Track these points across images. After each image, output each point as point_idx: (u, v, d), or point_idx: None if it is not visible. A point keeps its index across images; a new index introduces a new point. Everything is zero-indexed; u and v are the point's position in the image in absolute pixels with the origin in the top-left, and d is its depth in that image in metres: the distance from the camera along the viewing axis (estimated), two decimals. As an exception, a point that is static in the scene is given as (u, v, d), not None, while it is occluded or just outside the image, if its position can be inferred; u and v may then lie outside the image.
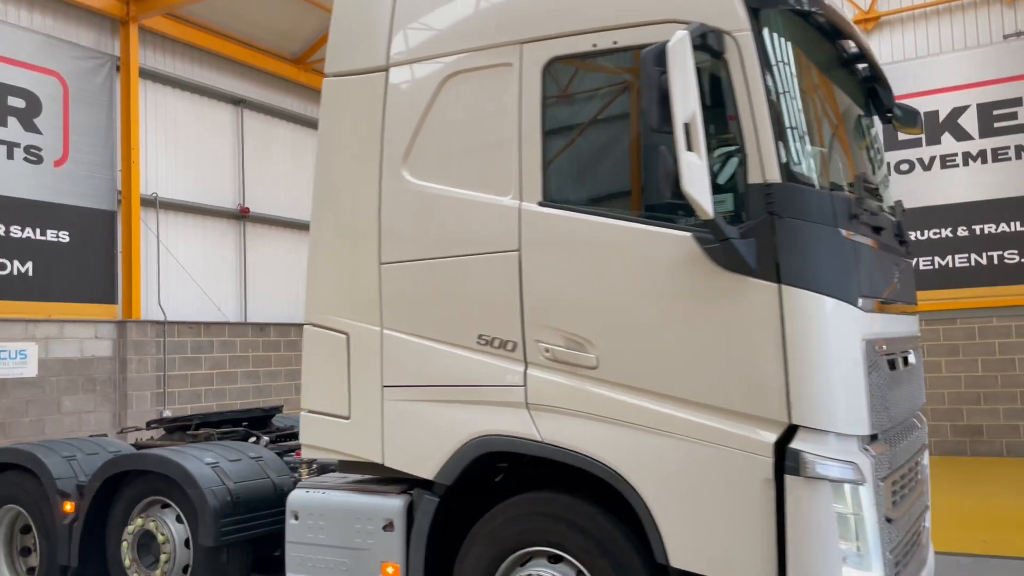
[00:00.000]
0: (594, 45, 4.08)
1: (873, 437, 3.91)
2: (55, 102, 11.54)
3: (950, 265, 13.32)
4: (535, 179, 4.17)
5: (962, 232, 13.26)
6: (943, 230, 13.40)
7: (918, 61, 13.83)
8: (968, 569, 6.97)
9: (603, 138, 4.14)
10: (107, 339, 11.96)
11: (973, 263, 13.13)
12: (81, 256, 11.73)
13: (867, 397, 3.72)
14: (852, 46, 4.49)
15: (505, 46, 4.31)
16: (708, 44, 3.70)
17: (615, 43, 4.01)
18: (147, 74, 12.83)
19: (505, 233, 4.21)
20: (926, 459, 5.06)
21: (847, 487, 3.60)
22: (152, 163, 12.90)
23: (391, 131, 4.62)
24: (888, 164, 13.89)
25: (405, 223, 4.55)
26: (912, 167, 13.69)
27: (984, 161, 13.14)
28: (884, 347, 4.04)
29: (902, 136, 5.54)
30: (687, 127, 3.48)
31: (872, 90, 5.06)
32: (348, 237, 4.73)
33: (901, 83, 13.52)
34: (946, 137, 13.50)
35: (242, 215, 14.24)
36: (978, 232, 13.08)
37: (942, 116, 13.53)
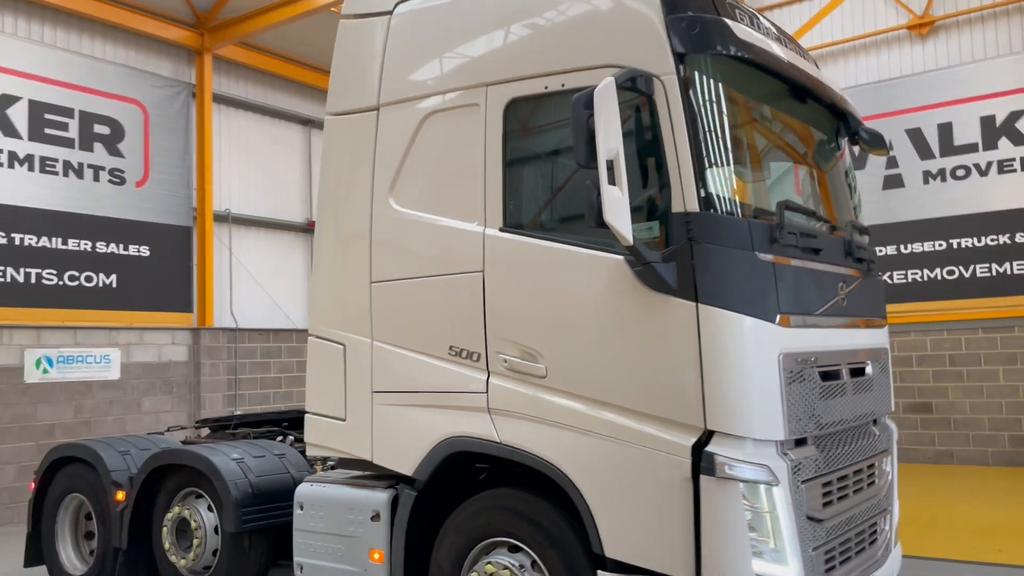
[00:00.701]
0: (546, 87, 4.54)
1: (801, 441, 4.25)
2: (137, 128, 12.60)
3: (1008, 272, 13.11)
4: (497, 207, 4.65)
5: (1020, 238, 13.03)
6: (1000, 236, 13.19)
7: (974, 65, 13.64)
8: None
9: (552, 171, 4.60)
10: (183, 345, 12.96)
11: (1031, 269, 12.90)
12: (160, 269, 12.75)
13: (784, 405, 4.06)
14: (801, 78, 4.78)
15: (473, 88, 4.82)
16: (637, 87, 4.12)
17: (563, 86, 4.46)
18: (220, 99, 13.84)
19: (472, 255, 4.71)
20: (889, 464, 5.30)
21: (761, 487, 3.95)
22: (225, 181, 13.89)
23: (380, 164, 5.18)
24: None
25: (391, 246, 5.10)
26: (968, 172, 13.51)
27: (1042, 166, 12.90)
28: (815, 359, 4.36)
29: (867, 155, 5.68)
30: (610, 164, 3.91)
31: (834, 116, 5.33)
32: (345, 258, 5.31)
33: (956, 88, 13.49)
34: (1003, 142, 13.28)
35: (309, 228, 15.11)
36: (1035, 238, 12.86)
37: (999, 120, 13.33)
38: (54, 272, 11.50)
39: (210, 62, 13.49)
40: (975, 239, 13.39)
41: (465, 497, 4.81)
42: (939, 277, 13.66)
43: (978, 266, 13.36)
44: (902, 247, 13.97)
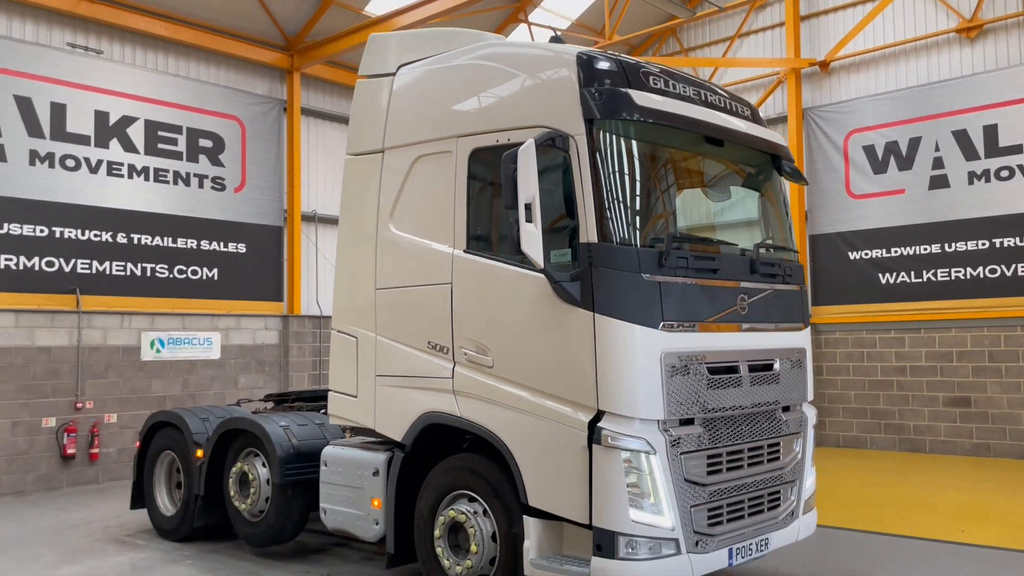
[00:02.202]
0: (497, 141, 5.81)
1: (688, 421, 5.40)
2: (235, 140, 14.46)
3: (1053, 270, 13.45)
4: (462, 233, 5.96)
5: (1064, 238, 13.36)
6: (1045, 236, 13.54)
7: (1022, 67, 13.91)
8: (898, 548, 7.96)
9: (498, 207, 5.83)
10: (274, 330, 14.81)
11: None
12: (254, 263, 14.62)
13: (664, 393, 5.21)
14: (703, 129, 5.83)
15: (448, 139, 6.14)
16: (556, 144, 5.34)
17: (509, 140, 5.70)
18: (308, 112, 15.59)
19: (444, 270, 6.03)
20: (799, 445, 6.30)
21: (642, 455, 5.13)
22: (312, 185, 15.66)
23: (384, 196, 6.56)
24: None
25: (390, 261, 6.48)
26: (1012, 173, 13.85)
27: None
28: (703, 357, 5.47)
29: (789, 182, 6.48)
30: (528, 206, 5.16)
31: (756, 154, 6.35)
32: (358, 270, 6.72)
33: (1003, 90, 13.99)
34: (1047, 144, 13.57)
35: (388, 226, 16.72)
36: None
37: (1045, 123, 13.61)
38: (166, 267, 13.48)
39: (298, 80, 15.24)
40: (1018, 238, 13.75)
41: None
42: (981, 275, 14.07)
43: (1019, 265, 13.71)
44: (946, 246, 14.43)
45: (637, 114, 5.39)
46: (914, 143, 14.85)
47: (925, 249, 14.66)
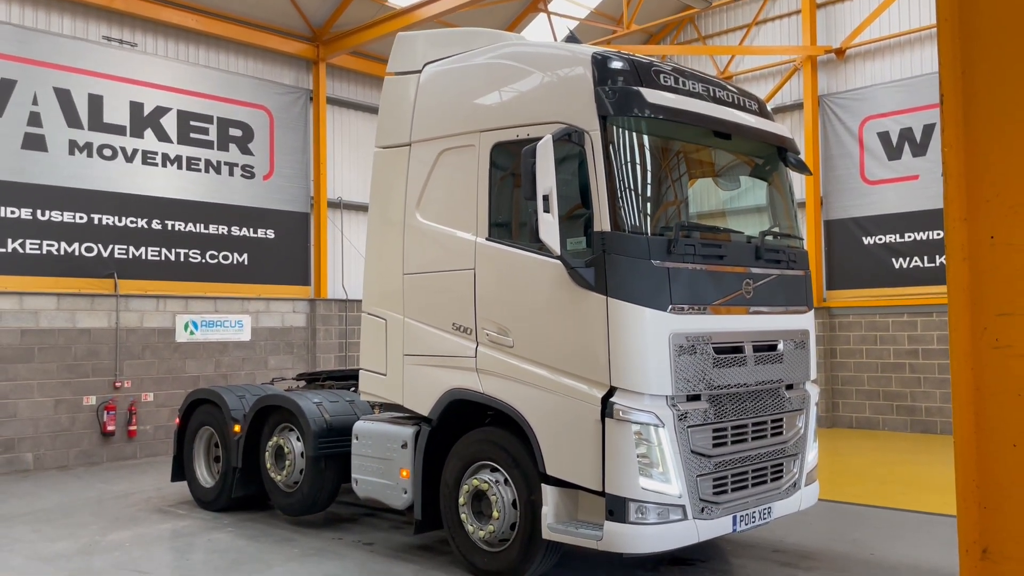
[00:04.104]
0: (517, 135, 6.20)
1: (695, 397, 5.80)
2: (263, 130, 14.93)
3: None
4: (484, 222, 6.37)
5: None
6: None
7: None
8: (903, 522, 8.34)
9: (518, 197, 6.24)
10: (302, 313, 15.32)
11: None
12: (283, 249, 15.12)
13: (671, 371, 5.62)
14: (712, 124, 6.20)
15: (471, 133, 6.54)
16: (573, 139, 5.74)
17: (528, 135, 6.10)
18: (333, 101, 16.02)
19: (468, 257, 6.45)
20: (801, 421, 6.69)
21: (651, 428, 5.55)
22: (338, 173, 16.11)
23: (411, 187, 6.98)
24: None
25: (417, 248, 6.90)
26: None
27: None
28: (710, 338, 5.87)
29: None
30: (546, 197, 5.56)
31: (763, 146, 6.70)
32: (386, 256, 7.15)
33: None
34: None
35: (411, 212, 17.16)
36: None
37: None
38: (198, 252, 14.00)
39: (324, 70, 15.67)
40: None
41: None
42: (993, 260, 14.28)
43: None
44: (959, 231, 14.65)
45: (648, 111, 5.78)
46: (928, 130, 15.07)
47: (938, 234, 14.89)
